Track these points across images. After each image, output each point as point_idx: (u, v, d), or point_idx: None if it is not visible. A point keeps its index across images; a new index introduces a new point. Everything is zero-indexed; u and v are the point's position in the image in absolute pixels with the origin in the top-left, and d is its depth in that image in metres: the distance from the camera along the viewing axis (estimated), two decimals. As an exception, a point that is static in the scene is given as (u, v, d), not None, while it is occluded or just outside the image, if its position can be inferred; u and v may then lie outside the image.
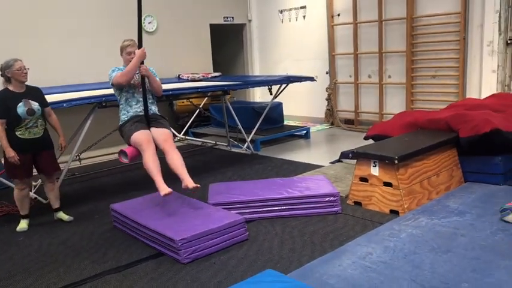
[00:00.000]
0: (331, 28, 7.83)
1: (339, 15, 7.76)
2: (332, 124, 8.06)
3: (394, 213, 3.69)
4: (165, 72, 7.33)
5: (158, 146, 3.70)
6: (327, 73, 8.00)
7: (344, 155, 5.38)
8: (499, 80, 6.06)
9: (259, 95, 9.27)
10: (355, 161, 5.06)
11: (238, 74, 9.13)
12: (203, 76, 7.32)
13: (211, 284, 2.73)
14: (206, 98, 7.48)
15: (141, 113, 3.79)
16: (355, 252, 2.94)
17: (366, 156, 3.82)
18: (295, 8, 8.41)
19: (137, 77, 3.77)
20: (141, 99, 3.79)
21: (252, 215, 3.69)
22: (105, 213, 4.04)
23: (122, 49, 3.82)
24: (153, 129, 3.76)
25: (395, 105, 7.19)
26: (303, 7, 8.26)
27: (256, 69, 9.33)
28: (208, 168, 5.57)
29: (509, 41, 5.98)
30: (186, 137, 7.37)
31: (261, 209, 3.74)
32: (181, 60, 7.81)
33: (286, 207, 3.73)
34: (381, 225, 3.44)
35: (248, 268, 2.91)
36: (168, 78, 7.08)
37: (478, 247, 2.91)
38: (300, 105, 8.33)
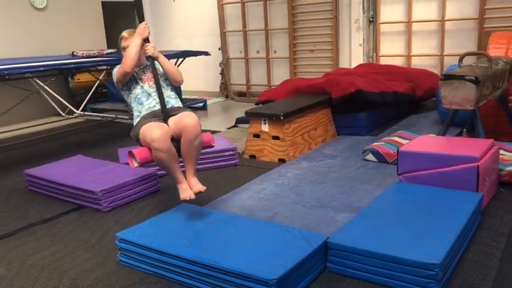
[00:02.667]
0: (221, 7, 8.37)
1: (227, -6, 8.33)
2: (227, 97, 8.68)
3: (282, 161, 4.41)
4: (58, 50, 7.35)
5: (178, 130, 2.91)
6: (219, 49, 8.56)
7: (239, 121, 6.05)
8: (365, 52, 7.12)
9: (155, 72, 9.54)
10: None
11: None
12: (98, 52, 7.43)
13: (132, 224, 3.17)
14: (102, 75, 7.63)
15: (155, 108, 3.08)
16: (251, 189, 3.60)
17: (258, 115, 4.49)
18: (185, -13, 8.79)
19: (143, 71, 3.16)
20: (153, 92, 3.08)
21: (161, 171, 4.16)
22: (18, 181, 4.24)
23: (120, 43, 3.17)
24: (172, 118, 2.98)
25: (281, 77, 7.96)
26: (193, -14, 8.68)
27: (150, 46, 9.55)
28: (114, 138, 5.87)
29: (371, 19, 7.04)
30: (85, 113, 7.49)
31: (169, 166, 4.22)
32: (74, 38, 7.81)
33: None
34: (267, 169, 4.13)
35: (164, 210, 3.39)
36: (62, 55, 7.12)
37: (345, 178, 3.73)
38: (195, 80, 8.80)
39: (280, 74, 8.02)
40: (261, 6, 7.90)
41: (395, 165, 3.91)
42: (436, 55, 6.60)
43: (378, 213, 2.69)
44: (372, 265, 2.25)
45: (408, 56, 6.79)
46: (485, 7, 6.09)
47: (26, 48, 6.97)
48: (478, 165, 2.94)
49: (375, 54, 7.09)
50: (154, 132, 2.82)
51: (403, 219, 2.57)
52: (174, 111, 3.05)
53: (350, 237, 2.39)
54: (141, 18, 3.18)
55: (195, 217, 2.81)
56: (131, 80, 3.15)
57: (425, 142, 3.43)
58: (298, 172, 3.94)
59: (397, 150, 3.28)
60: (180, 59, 6.81)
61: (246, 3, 8.09)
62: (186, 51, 6.80)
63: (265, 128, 4.46)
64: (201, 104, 7.70)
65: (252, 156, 4.60)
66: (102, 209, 3.41)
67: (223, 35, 8.51)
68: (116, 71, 3.10)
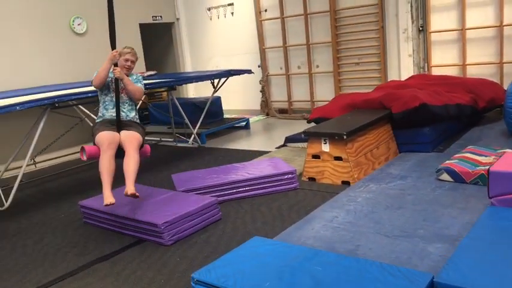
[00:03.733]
0: (259, 23, 8.21)
1: (266, 10, 8.16)
2: (267, 114, 8.46)
3: (346, 183, 4.12)
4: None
5: (124, 148, 3.65)
6: (259, 66, 8.37)
7: (289, 140, 5.79)
8: (415, 63, 6.79)
9: (193, 92, 9.45)
10: (300, 144, 5.53)
11: (170, 72, 9.23)
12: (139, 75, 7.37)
13: (199, 259, 2.96)
14: (143, 97, 7.53)
15: (114, 118, 3.80)
16: (323, 217, 3.31)
17: (317, 135, 4.22)
18: (222, 6, 8.68)
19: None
20: (120, 104, 3.82)
21: (219, 198, 3.93)
22: (71, 212, 4.08)
23: (121, 53, 3.87)
24: (123, 132, 3.72)
25: (324, 92, 7.74)
26: (231, 4, 8.56)
27: (188, 66, 9.48)
28: (161, 163, 5.71)
29: (420, 28, 6.72)
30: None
31: (227, 192, 3.99)
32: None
33: (250, 188, 4.02)
34: (336, 194, 3.84)
35: (229, 242, 3.17)
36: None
37: (423, 202, 3.40)
38: (236, 98, 8.63)
39: (324, 89, 7.77)
40: (302, 20, 7.69)
41: (474, 185, 3.61)
42: (494, 63, 6.21)
43: (483, 244, 2.36)
44: (492, 310, 1.93)
45: (463, 65, 6.42)
46: (548, 10, 5.70)
47: (66, 75, 6.94)
48: None
49: (426, 64, 6.74)
50: (105, 143, 3.54)
51: (518, 255, 2.24)
52: (127, 126, 3.79)
53: (461, 276, 2.07)
54: (113, 46, 3.78)
55: (273, 253, 2.54)
56: (106, 87, 3.88)
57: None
58: (369, 196, 3.64)
59: (488, 170, 2.95)
60: (223, 79, 6.63)
61: (285, 19, 7.90)
62: (229, 70, 6.62)
63: (325, 148, 4.19)
64: (243, 123, 7.49)
65: (312, 179, 4.33)
66: (164, 243, 3.19)
67: (262, 51, 8.33)
68: (93, 80, 3.84)
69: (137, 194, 3.36)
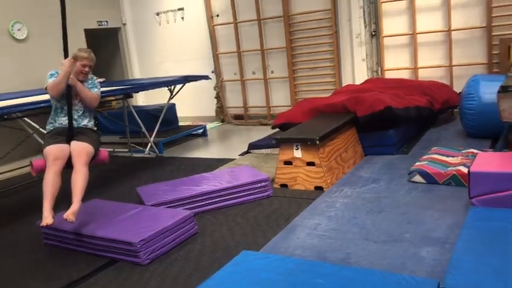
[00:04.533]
0: (212, 28, 8.06)
1: (218, 15, 8.03)
2: (223, 121, 8.31)
3: (319, 189, 4.07)
4: (39, 82, 6.82)
5: (72, 157, 3.48)
6: (212, 72, 8.21)
7: (252, 146, 5.69)
8: (369, 67, 6.92)
9: (143, 99, 9.11)
10: (265, 150, 5.44)
11: (118, 79, 8.85)
12: (87, 83, 6.99)
13: (182, 277, 2.77)
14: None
15: (66, 126, 3.64)
16: (305, 225, 3.23)
17: (289, 140, 4.14)
18: (172, 10, 8.44)
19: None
20: (73, 111, 3.65)
21: (192, 211, 3.74)
22: (29, 233, 3.74)
23: (77, 58, 3.66)
24: (73, 143, 3.55)
25: (281, 98, 7.72)
26: (181, 9, 8.35)
27: (136, 72, 9.15)
28: (119, 175, 5.40)
29: (373, 33, 6.86)
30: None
31: (199, 204, 3.81)
32: (57, 69, 7.30)
33: (224, 198, 3.87)
34: (312, 200, 3.78)
35: (211, 257, 3.00)
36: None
37: (402, 205, 3.41)
38: (189, 105, 8.40)
39: (280, 95, 7.75)
40: (255, 25, 7.63)
41: (447, 186, 3.67)
42: (444, 66, 6.46)
43: (478, 247, 2.37)
44: (504, 314, 1.92)
45: (415, 69, 6.63)
46: (492, 15, 5.99)
47: (7, 83, 6.44)
48: None
49: (379, 68, 6.89)
50: (50, 158, 3.36)
51: (514, 253, 2.26)
52: (78, 134, 3.62)
53: (467, 281, 2.05)
54: (66, 54, 3.59)
55: (268, 267, 2.41)
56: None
57: (494, 160, 3.16)
58: (346, 201, 3.60)
59: (468, 171, 2.99)
60: (179, 85, 6.42)
61: (238, 24, 7.81)
62: (186, 76, 6.42)
63: (297, 154, 4.12)
64: (200, 131, 7.30)
65: (284, 185, 4.24)
66: (141, 262, 2.97)
67: (215, 57, 8.18)
68: (48, 87, 3.61)
69: (74, 219, 3.11)
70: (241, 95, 8.10)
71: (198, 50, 8.38)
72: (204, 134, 7.27)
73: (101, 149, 3.83)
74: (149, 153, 6.19)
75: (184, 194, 3.80)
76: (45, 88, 3.69)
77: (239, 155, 5.69)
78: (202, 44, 8.29)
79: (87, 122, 3.79)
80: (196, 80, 6.63)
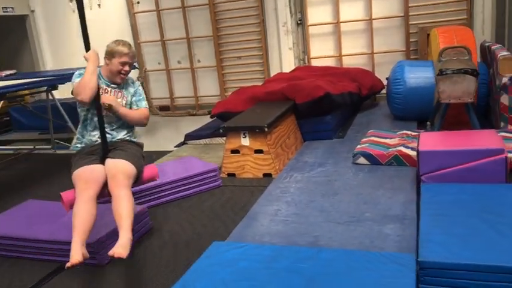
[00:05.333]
0: (133, 16, 7.69)
1: (138, 2, 7.68)
2: (147, 113, 7.98)
3: (268, 176, 4.08)
4: None
5: (108, 179, 2.73)
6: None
7: (189, 137, 5.55)
8: (296, 56, 7.06)
9: (58, 92, 8.47)
10: (203, 140, 5.34)
11: (28, 71, 8.14)
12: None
13: (148, 276, 2.63)
14: (2, 102, 6.52)
15: (97, 143, 2.92)
16: (266, 212, 3.22)
17: (236, 129, 4.10)
18: (87, -4, 7.92)
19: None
20: (105, 122, 2.89)
21: (144, 205, 3.56)
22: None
23: (113, 53, 2.95)
24: (108, 162, 2.80)
25: (209, 87, 7.61)
26: (97, -5, 7.87)
27: (49, 63, 8.46)
28: (47, 174, 4.98)
29: (299, 22, 7.00)
30: (-11, 148, 6.34)
31: (149, 198, 3.64)
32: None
33: (174, 191, 3.73)
34: (264, 188, 3.77)
35: (174, 251, 2.89)
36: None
37: (354, 186, 3.52)
38: (111, 97, 7.96)
39: (208, 84, 7.63)
40: (180, 13, 7.42)
41: (389, 166, 3.86)
42: (366, 53, 6.77)
43: (441, 219, 2.51)
44: (477, 279, 2.07)
45: (340, 56, 6.87)
46: (409, 5, 6.39)
47: None
48: (506, 156, 2.95)
49: (306, 56, 7.05)
50: (80, 182, 2.66)
51: (476, 224, 2.43)
52: (114, 149, 2.88)
53: (442, 252, 2.17)
54: (88, 45, 2.90)
55: (245, 257, 2.36)
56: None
57: (437, 139, 3.37)
58: (299, 186, 3.65)
59: (417, 151, 3.17)
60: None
61: (162, 11, 7.54)
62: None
63: (245, 142, 4.09)
64: (127, 123, 6.94)
65: (231, 175, 4.20)
66: (99, 263, 2.77)
67: (137, 46, 7.83)
68: (74, 89, 2.85)
69: (125, 255, 2.29)
70: (166, 85, 7.85)
71: (119, 39, 7.92)
72: (131, 126, 6.93)
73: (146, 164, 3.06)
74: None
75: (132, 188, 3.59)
76: (72, 92, 2.91)
77: (175, 147, 5.53)
78: (123, 32, 7.85)
79: (124, 135, 3.03)
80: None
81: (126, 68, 2.97)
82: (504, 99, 3.96)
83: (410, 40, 6.50)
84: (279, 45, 7.03)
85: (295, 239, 2.77)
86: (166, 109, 7.96)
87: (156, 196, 3.67)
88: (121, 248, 2.30)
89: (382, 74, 6.22)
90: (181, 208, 3.57)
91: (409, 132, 4.45)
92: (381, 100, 6.37)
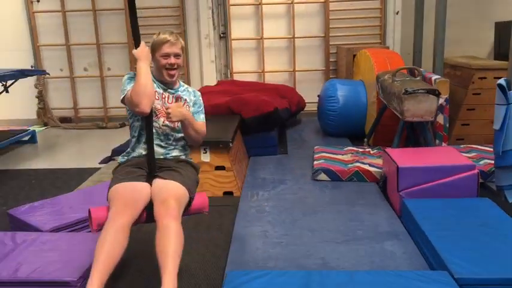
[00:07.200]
0: (31, 15, 6.81)
1: (38, 1, 6.84)
2: (46, 125, 7.09)
3: (228, 194, 3.84)
4: None
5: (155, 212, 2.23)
6: (32, 67, 6.93)
7: (116, 152, 5.00)
8: (218, 69, 6.90)
9: None
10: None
11: None
12: None
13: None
14: None
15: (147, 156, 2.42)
16: (252, 234, 2.99)
17: (196, 144, 3.78)
18: (-29, -12, 6.83)
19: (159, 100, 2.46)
20: (159, 133, 2.46)
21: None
22: None
23: (154, 47, 2.43)
24: (156, 182, 2.32)
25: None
26: (-14, -12, 6.82)
27: None
28: None
29: (222, 35, 6.86)
30: None
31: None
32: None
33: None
34: (228, 207, 3.54)
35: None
36: None
37: (329, 203, 3.47)
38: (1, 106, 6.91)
39: (119, 94, 7.02)
40: (89, 16, 6.78)
41: (350, 181, 3.91)
42: (288, 71, 6.88)
43: (449, 236, 2.55)
44: (510, 292, 2.14)
45: (262, 72, 6.88)
46: (329, 26, 6.67)
47: None
48: (478, 172, 3.16)
49: (228, 71, 6.93)
50: (118, 203, 2.17)
51: (480, 237, 2.53)
52: (164, 169, 2.40)
53: (474, 268, 2.20)
54: (137, 40, 2.43)
55: (275, 286, 2.14)
56: None
57: (407, 156, 3.47)
58: (272, 204, 3.48)
59: (397, 167, 3.23)
60: (11, 81, 5.22)
61: (67, 13, 6.80)
62: (22, 70, 5.25)
63: (205, 158, 3.81)
64: (27, 137, 6.05)
65: (187, 194, 3.86)
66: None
67: (36, 49, 6.94)
68: (128, 96, 2.36)
69: None
70: (70, 94, 7.07)
71: (13, 40, 6.95)
72: (33, 140, 6.06)
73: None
74: (-28, 166, 4.85)
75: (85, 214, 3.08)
76: (122, 101, 2.47)
77: (100, 163, 4.95)
78: (19, 33, 6.91)
79: (179, 152, 2.54)
80: (33, 75, 5.51)
81: (172, 60, 2.43)
82: (440, 118, 4.28)
83: (330, 60, 6.78)
84: (200, 57, 6.82)
85: (302, 262, 2.61)
86: (68, 121, 7.16)
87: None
88: None
89: (303, 92, 6.38)
90: (147, 233, 3.12)
91: (354, 148, 4.58)
92: (301, 117, 6.50)
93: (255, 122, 4.65)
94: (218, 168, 3.83)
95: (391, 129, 4.81)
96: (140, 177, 2.33)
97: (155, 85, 2.48)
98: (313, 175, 4.01)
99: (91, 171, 4.64)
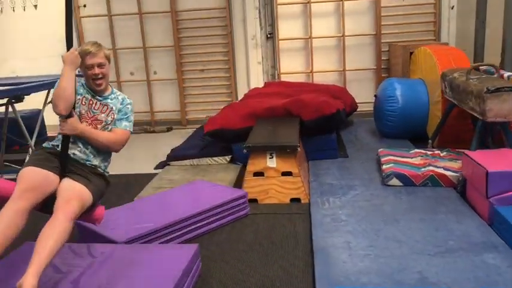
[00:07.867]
0: (78, 20, 6.81)
1: (85, 6, 6.84)
2: (94, 129, 7.08)
3: (295, 201, 3.67)
4: None
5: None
6: (78, 72, 6.91)
7: (172, 157, 4.91)
8: (265, 70, 6.74)
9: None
10: (188, 161, 4.75)
11: None
12: None
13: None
14: None
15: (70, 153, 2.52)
16: (334, 246, 2.80)
17: (263, 148, 3.63)
18: (19, -5, 6.88)
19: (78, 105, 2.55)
20: (81, 139, 2.55)
21: (195, 245, 2.92)
22: None
23: (82, 59, 2.52)
24: (67, 180, 2.40)
25: (167, 101, 6.98)
26: (33, -6, 6.86)
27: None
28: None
29: (269, 35, 6.70)
30: None
31: (178, 233, 3.01)
32: None
33: (205, 223, 3.16)
34: (298, 215, 3.39)
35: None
36: None
37: (407, 211, 3.25)
38: (47, 111, 6.93)
39: (166, 98, 6.99)
40: (135, 20, 6.73)
41: (424, 186, 3.67)
42: (338, 70, 6.67)
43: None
44: None
45: (311, 73, 6.69)
46: (381, 23, 6.42)
47: None
48: None
49: (276, 71, 6.76)
50: (22, 186, 2.25)
51: None
52: (77, 171, 2.47)
53: None
54: (70, 43, 2.55)
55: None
56: None
57: (496, 159, 3.22)
58: (347, 212, 3.29)
59: (486, 172, 2.99)
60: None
61: (113, 17, 6.77)
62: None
63: (271, 163, 3.65)
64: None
65: (252, 200, 3.70)
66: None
67: (83, 54, 6.92)
68: (52, 102, 2.46)
69: None
70: (117, 99, 7.04)
71: (57, 46, 6.92)
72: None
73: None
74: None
75: (159, 223, 2.96)
76: (54, 108, 2.48)
77: (155, 168, 4.86)
78: (63, 38, 6.91)
79: (99, 163, 2.62)
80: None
81: (96, 70, 2.54)
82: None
83: (382, 58, 6.53)
84: (247, 58, 6.67)
85: (397, 277, 2.41)
86: (116, 125, 7.11)
87: (185, 231, 3.06)
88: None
89: (353, 92, 6.16)
90: (219, 244, 3.01)
91: (422, 151, 4.33)
92: (352, 118, 6.27)
93: (316, 125, 4.46)
94: (284, 174, 3.66)
95: (458, 130, 4.57)
96: (54, 169, 2.40)
97: (84, 91, 2.59)
98: (385, 180, 3.79)
99: (147, 177, 4.54)
